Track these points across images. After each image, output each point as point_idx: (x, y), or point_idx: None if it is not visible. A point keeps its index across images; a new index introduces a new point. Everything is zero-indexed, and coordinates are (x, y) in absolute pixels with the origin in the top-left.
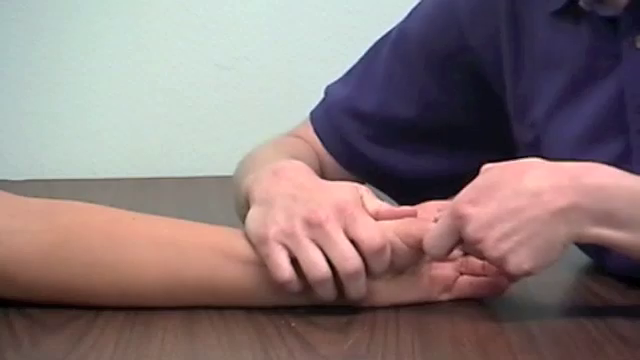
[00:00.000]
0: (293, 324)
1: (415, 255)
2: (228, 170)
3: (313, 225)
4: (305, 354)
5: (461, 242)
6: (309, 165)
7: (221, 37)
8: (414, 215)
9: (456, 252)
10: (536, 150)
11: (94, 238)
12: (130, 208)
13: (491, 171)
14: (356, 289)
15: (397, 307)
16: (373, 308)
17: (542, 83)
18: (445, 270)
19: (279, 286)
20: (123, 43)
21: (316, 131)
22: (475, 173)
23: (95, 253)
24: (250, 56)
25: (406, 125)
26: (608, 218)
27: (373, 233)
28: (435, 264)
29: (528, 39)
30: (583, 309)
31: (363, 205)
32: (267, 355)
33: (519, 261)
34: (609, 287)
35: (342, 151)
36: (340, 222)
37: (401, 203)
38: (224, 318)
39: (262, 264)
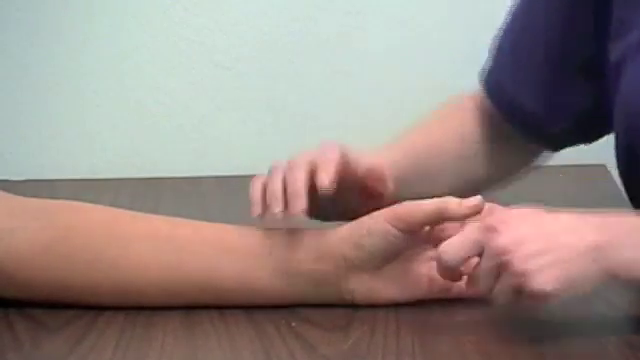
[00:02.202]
0: (293, 324)
1: (407, 239)
2: (228, 170)
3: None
4: (305, 354)
5: (477, 255)
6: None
7: (221, 37)
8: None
9: None
10: (617, 80)
11: (93, 236)
12: (130, 208)
13: (522, 209)
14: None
15: (397, 307)
16: (373, 308)
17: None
18: None
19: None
20: (123, 43)
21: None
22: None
23: (95, 251)
24: (250, 56)
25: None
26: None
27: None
28: (435, 263)
29: None
30: (584, 309)
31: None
32: (267, 355)
33: (544, 280)
34: (610, 287)
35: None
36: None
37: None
38: (224, 319)
39: (262, 257)
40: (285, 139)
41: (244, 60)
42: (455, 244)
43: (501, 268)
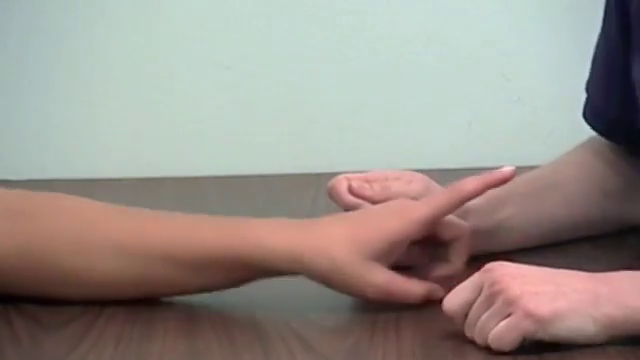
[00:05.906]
0: (293, 324)
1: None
2: (228, 170)
3: None
4: (305, 354)
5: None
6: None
7: (221, 37)
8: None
9: None
10: None
11: (55, 247)
12: None
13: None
14: None
15: (397, 307)
16: (373, 308)
17: None
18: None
19: None
20: (123, 43)
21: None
22: None
23: (55, 264)
24: (250, 56)
25: None
26: None
27: None
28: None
29: None
30: None
31: None
32: (267, 355)
33: (540, 303)
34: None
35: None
36: None
37: None
38: (224, 318)
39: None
40: (285, 139)
41: (244, 60)
42: (455, 290)
43: (496, 296)
